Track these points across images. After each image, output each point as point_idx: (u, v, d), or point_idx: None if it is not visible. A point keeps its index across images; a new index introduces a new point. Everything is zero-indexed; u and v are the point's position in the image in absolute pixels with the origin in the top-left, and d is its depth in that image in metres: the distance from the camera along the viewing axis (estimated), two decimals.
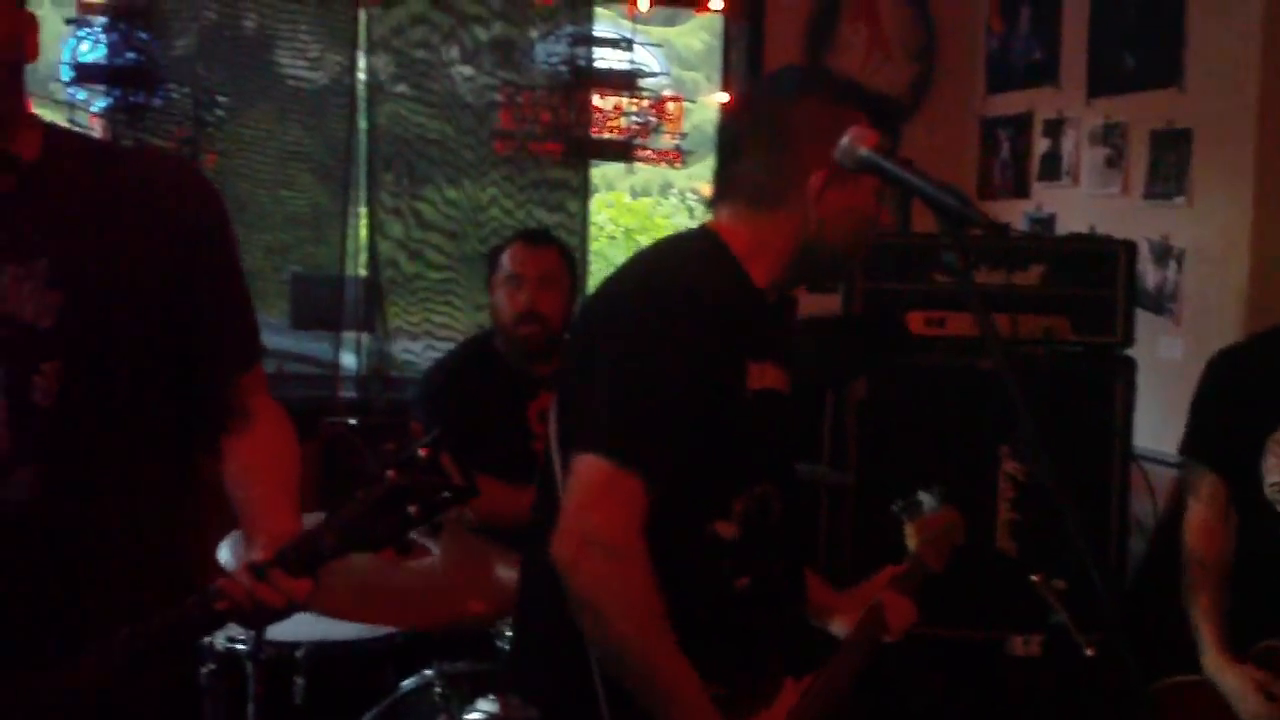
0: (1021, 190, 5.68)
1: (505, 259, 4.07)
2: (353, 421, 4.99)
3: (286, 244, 5.32)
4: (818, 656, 2.49)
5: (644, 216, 11.27)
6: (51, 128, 2.22)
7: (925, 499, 2.78)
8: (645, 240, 11.00)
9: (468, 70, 5.38)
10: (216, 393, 2.27)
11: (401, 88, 5.33)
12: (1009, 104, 5.75)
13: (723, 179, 2.40)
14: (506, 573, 3.33)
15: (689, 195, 11.32)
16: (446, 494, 1.93)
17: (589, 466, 2.13)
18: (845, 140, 2.13)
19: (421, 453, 1.92)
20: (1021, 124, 5.67)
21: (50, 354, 2.06)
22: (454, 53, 5.38)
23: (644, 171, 7.04)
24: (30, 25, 2.13)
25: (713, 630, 2.24)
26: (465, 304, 5.47)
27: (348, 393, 5.41)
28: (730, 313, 2.25)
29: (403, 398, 5.33)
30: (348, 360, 5.45)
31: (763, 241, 2.32)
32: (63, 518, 2.09)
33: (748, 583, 2.31)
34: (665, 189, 11.49)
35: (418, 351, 5.44)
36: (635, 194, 11.31)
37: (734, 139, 2.38)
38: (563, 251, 4.16)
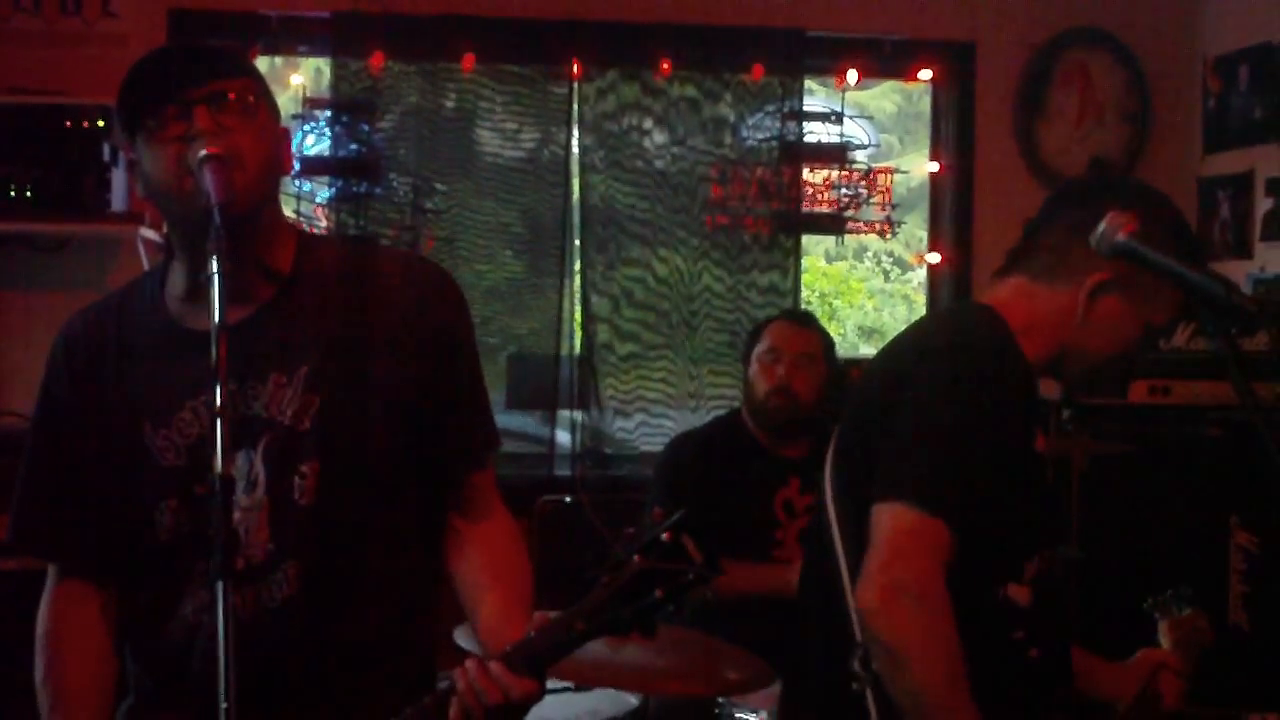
0: (1243, 250, 5.52)
1: (766, 334, 4.18)
2: (568, 499, 5.03)
3: (502, 324, 5.41)
4: None
5: (839, 280, 11.23)
6: (305, 237, 2.31)
7: (1175, 599, 2.76)
8: (843, 306, 10.99)
9: (678, 149, 5.43)
10: (453, 490, 2.31)
11: (611, 164, 5.39)
12: (1228, 163, 5.59)
13: (1020, 251, 2.45)
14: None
15: (884, 258, 11.25)
16: (691, 576, 1.93)
17: (896, 514, 2.17)
18: (1103, 226, 2.09)
19: (665, 537, 1.94)
20: (1242, 183, 5.51)
21: (309, 455, 2.13)
22: (664, 129, 5.43)
23: None
24: (286, 139, 2.22)
25: (1003, 701, 2.23)
26: (678, 378, 5.47)
27: (562, 470, 5.43)
28: (1021, 377, 2.31)
29: (618, 474, 5.37)
30: (562, 437, 5.49)
31: (1037, 320, 2.37)
32: (320, 615, 2.15)
33: (1038, 655, 2.32)
34: (860, 253, 11.44)
35: (631, 429, 5.47)
36: (830, 258, 11.27)
37: (1047, 216, 2.42)
38: (824, 336, 4.23)
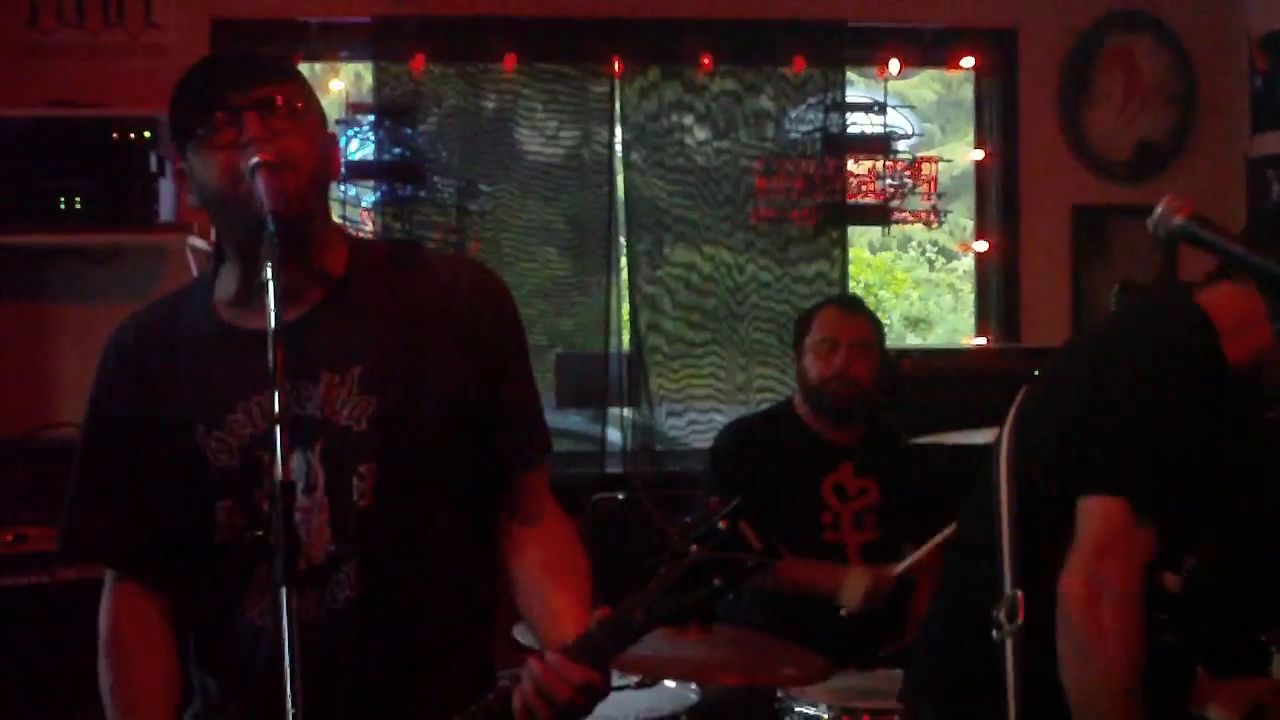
0: None
1: (818, 322, 4.18)
2: (621, 496, 5.03)
3: (548, 323, 5.42)
4: None
5: (884, 271, 11.18)
6: (355, 240, 2.32)
7: None
8: (889, 296, 10.93)
9: (721, 144, 5.43)
10: (506, 491, 2.31)
11: (654, 162, 5.40)
12: (1277, 142, 5.54)
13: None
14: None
15: (929, 247, 11.19)
16: (750, 564, 1.93)
17: (1108, 509, 2.26)
18: (1158, 211, 2.06)
19: (722, 525, 1.94)
20: None
21: (367, 456, 2.13)
22: (706, 125, 5.43)
23: None
24: (334, 144, 2.23)
25: (1147, 681, 2.28)
26: (727, 373, 5.47)
27: (613, 468, 5.43)
28: (1223, 379, 2.34)
29: (670, 470, 5.36)
30: (612, 435, 5.49)
31: (1244, 326, 2.37)
32: (382, 617, 2.15)
33: (1173, 641, 2.37)
34: (904, 243, 11.38)
35: (682, 425, 5.47)
36: (874, 249, 11.22)
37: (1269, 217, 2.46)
38: (874, 320, 4.25)
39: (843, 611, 3.79)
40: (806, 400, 4.18)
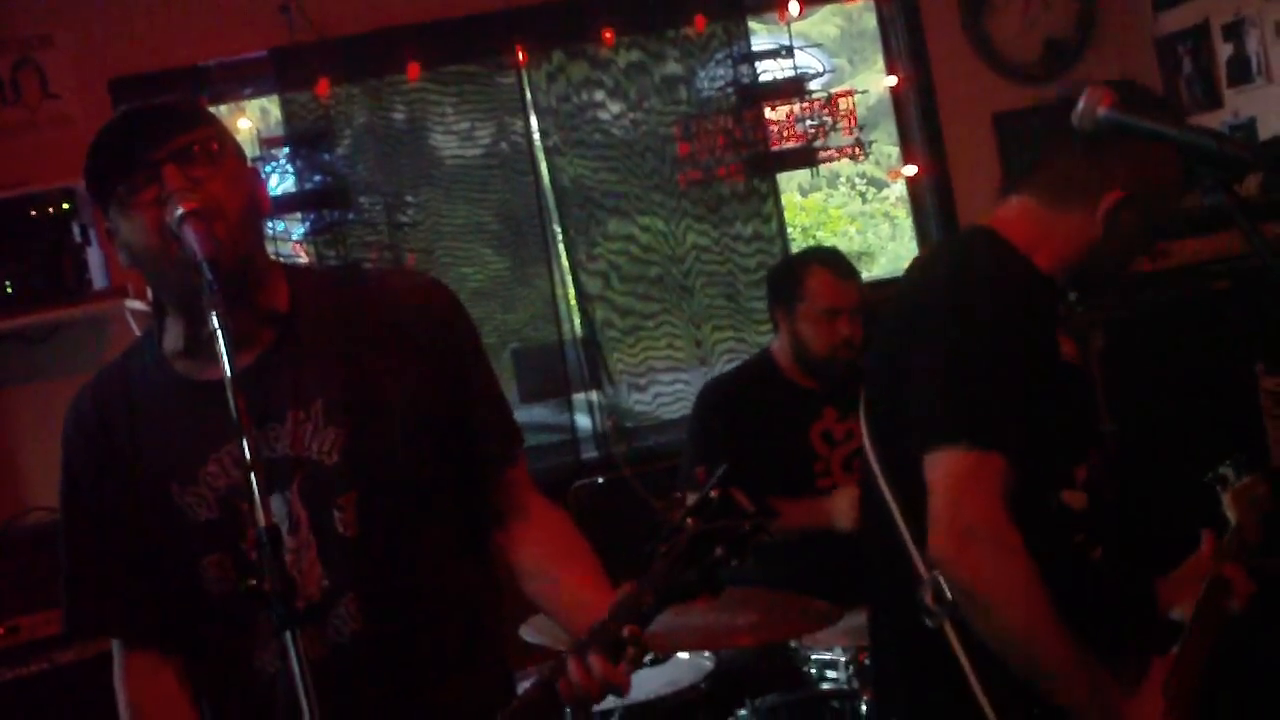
0: (1213, 101, 5.49)
1: (812, 291, 4.10)
2: (600, 480, 5.03)
3: (497, 321, 5.40)
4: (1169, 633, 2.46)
5: (818, 212, 11.19)
6: (291, 270, 2.29)
7: (1233, 466, 2.74)
8: (826, 236, 10.95)
9: (636, 115, 5.41)
10: (490, 491, 2.30)
11: (574, 143, 5.38)
12: (1181, 18, 5.57)
13: (1024, 171, 2.44)
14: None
15: (857, 181, 11.21)
16: (748, 527, 1.93)
17: (950, 459, 2.18)
18: (1081, 104, 2.06)
19: (713, 494, 1.94)
20: (1198, 35, 5.49)
21: (344, 487, 2.13)
22: (618, 99, 5.41)
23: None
24: (258, 179, 2.21)
25: (1076, 607, 2.22)
26: (683, 341, 5.47)
27: (587, 454, 5.43)
28: (1035, 292, 2.31)
29: (644, 445, 5.36)
30: (581, 421, 5.48)
31: (1045, 237, 2.36)
32: (390, 642, 2.15)
33: (1101, 554, 2.34)
34: (833, 180, 11.39)
35: (647, 400, 5.46)
36: (804, 192, 11.23)
37: (1052, 135, 2.40)
38: (859, 277, 4.23)
39: (845, 530, 3.75)
40: (804, 367, 4.14)
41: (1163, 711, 2.29)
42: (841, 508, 3.78)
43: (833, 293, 4.08)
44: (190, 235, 1.94)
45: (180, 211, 1.96)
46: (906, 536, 2.31)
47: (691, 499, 1.97)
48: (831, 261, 4.20)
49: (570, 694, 1.97)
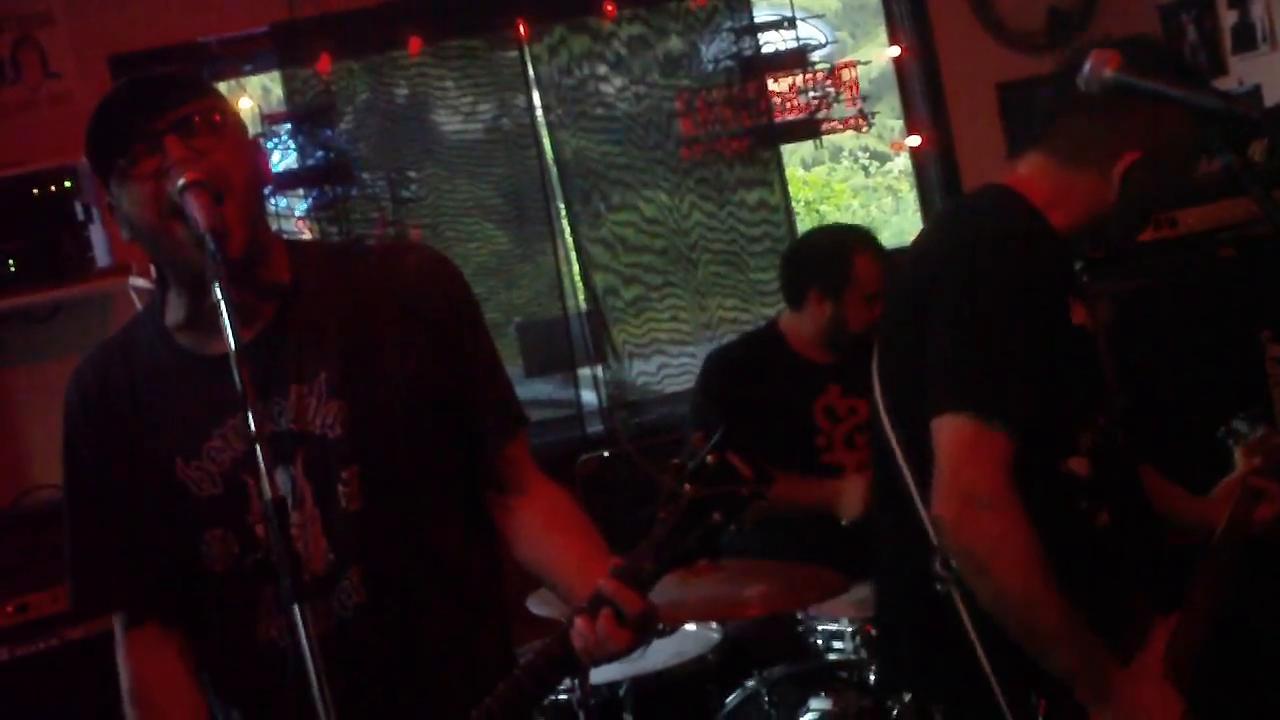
0: (1218, 68, 5.46)
1: (863, 275, 4.06)
2: (606, 454, 5.02)
3: (501, 297, 5.39)
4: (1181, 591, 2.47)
5: (820, 186, 11.17)
6: (292, 244, 2.28)
7: (1245, 421, 2.76)
8: (830, 210, 10.93)
9: (640, 87, 5.39)
10: (489, 466, 2.29)
11: (577, 117, 5.36)
12: None
13: (1041, 129, 2.43)
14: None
15: (860, 154, 11.18)
16: (744, 492, 1.92)
17: (954, 426, 2.19)
18: (1087, 67, 2.04)
19: (710, 459, 1.92)
20: (1203, 2, 5.46)
21: (347, 460, 2.12)
22: (621, 72, 5.39)
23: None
24: (259, 150, 2.19)
25: (1082, 572, 2.24)
26: (688, 313, 5.46)
27: (593, 428, 5.42)
28: (1049, 255, 2.31)
29: (649, 419, 5.36)
30: (587, 396, 5.48)
31: (1061, 195, 2.35)
32: (394, 615, 2.15)
33: (1108, 519, 2.33)
34: (836, 154, 11.37)
35: (652, 372, 5.46)
36: (807, 166, 11.21)
37: (1069, 94, 2.37)
38: None
39: (845, 521, 3.78)
40: (833, 344, 4.10)
41: (1160, 675, 2.30)
42: (850, 500, 3.77)
43: (875, 276, 4.05)
44: (192, 206, 1.93)
45: (182, 182, 1.95)
46: (919, 502, 2.32)
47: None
48: (874, 245, 4.18)
49: (584, 646, 1.95)
